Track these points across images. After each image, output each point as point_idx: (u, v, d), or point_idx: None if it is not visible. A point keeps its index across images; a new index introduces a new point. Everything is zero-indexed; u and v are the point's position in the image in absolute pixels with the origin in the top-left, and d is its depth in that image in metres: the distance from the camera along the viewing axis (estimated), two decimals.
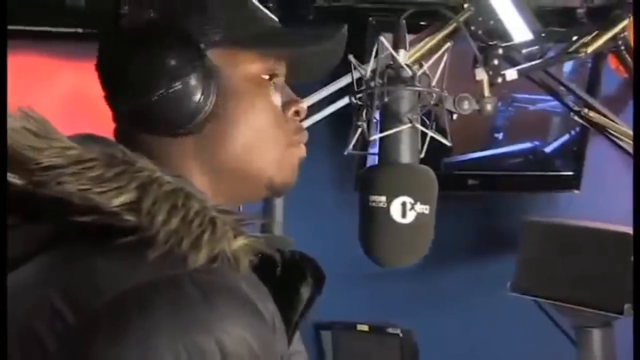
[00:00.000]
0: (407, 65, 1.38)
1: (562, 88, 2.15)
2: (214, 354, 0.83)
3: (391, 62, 1.40)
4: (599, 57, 2.68)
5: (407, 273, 2.51)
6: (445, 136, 1.41)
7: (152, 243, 0.86)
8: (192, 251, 0.86)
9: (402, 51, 1.41)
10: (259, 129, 0.99)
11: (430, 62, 1.40)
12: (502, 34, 1.82)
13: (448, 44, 1.41)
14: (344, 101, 1.91)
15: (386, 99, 1.38)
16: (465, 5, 2.01)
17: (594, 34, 1.75)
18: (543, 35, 1.68)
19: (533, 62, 1.72)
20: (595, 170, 2.84)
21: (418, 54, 2.09)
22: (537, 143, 2.78)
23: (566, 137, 2.80)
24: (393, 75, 1.38)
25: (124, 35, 0.96)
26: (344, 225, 2.75)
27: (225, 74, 0.98)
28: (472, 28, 2.06)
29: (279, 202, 1.70)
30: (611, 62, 2.78)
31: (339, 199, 2.64)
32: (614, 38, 1.81)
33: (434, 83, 1.39)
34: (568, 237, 2.46)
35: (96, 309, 0.84)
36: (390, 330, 2.37)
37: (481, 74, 1.52)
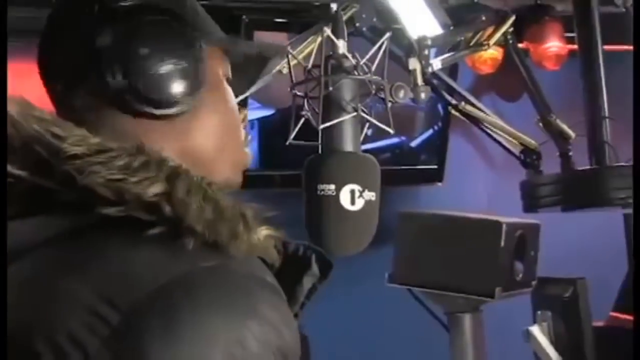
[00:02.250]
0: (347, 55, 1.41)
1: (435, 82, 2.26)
2: (264, 339, 0.82)
3: (331, 53, 1.42)
4: None
5: None
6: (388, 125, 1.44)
7: (189, 233, 0.83)
8: (232, 241, 0.85)
9: (341, 41, 1.42)
10: (229, 123, 0.99)
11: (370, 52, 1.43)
12: (385, 30, 1.90)
13: (387, 34, 1.44)
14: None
15: (330, 89, 1.39)
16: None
17: (491, 29, 1.85)
18: (452, 29, 1.75)
19: (451, 54, 1.80)
20: (455, 164, 2.97)
21: (307, 51, 2.12)
22: (403, 138, 2.87)
23: (430, 132, 2.91)
24: (336, 65, 1.40)
25: (123, 12, 0.92)
26: None
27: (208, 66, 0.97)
28: (357, 24, 2.13)
29: None
30: (467, 60, 2.94)
31: None
32: (505, 34, 1.93)
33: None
34: (440, 227, 2.54)
35: (140, 305, 0.79)
36: None
37: (414, 64, 1.56)
